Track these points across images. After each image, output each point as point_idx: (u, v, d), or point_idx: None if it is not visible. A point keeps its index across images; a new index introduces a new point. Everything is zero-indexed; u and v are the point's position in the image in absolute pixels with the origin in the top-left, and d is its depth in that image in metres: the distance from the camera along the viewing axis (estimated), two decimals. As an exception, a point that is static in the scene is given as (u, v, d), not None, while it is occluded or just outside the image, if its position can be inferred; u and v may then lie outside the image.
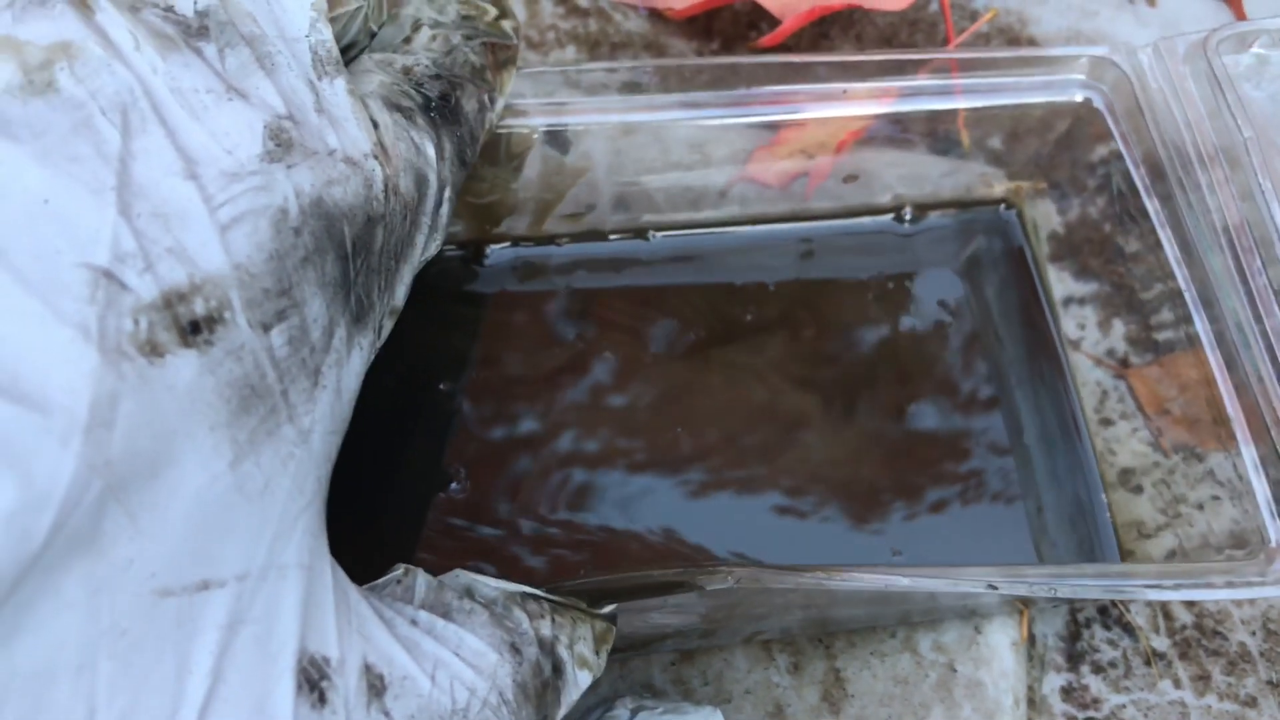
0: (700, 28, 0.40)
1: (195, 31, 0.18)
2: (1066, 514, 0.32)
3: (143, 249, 0.16)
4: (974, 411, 0.33)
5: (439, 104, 0.23)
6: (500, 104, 0.26)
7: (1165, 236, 0.30)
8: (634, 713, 0.27)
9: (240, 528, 0.17)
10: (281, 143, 0.18)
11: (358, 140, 0.20)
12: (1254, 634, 0.32)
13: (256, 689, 0.17)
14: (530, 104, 0.29)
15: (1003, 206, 0.36)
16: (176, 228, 0.16)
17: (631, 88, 0.30)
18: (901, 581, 0.23)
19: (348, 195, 0.19)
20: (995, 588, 0.24)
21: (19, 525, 0.14)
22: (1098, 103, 0.32)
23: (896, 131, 0.33)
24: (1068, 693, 0.31)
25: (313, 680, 0.17)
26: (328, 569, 0.19)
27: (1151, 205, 0.30)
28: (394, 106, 0.22)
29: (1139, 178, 0.31)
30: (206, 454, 0.16)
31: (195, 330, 0.16)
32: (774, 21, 0.38)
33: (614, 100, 0.30)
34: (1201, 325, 0.29)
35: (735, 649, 0.30)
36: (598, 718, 0.27)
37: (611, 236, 0.34)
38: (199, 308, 0.16)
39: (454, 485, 0.29)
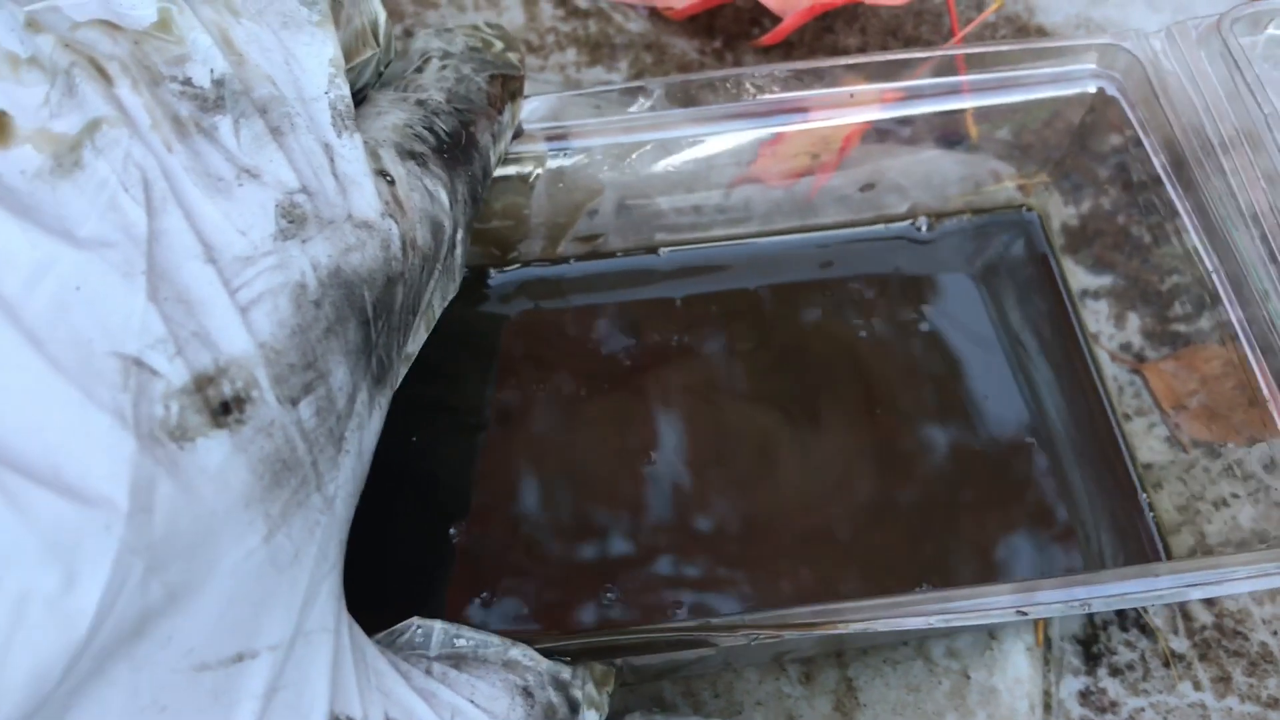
0: (702, 26, 0.39)
1: (212, 104, 0.19)
2: (1105, 519, 0.31)
3: (172, 333, 0.16)
4: (1002, 421, 0.32)
5: (451, 144, 0.23)
6: (509, 136, 0.27)
7: (1190, 224, 0.29)
8: (642, 728, 0.27)
9: (272, 598, 0.17)
10: (295, 219, 0.18)
11: (372, 200, 0.20)
12: (1275, 633, 0.31)
13: None
14: (537, 128, 0.29)
15: (1024, 209, 0.35)
16: (199, 312, 0.17)
17: (636, 104, 0.29)
18: (929, 622, 0.23)
19: (366, 260, 0.19)
20: (1025, 614, 0.23)
21: (64, 613, 0.14)
22: (1111, 91, 0.31)
23: (903, 129, 0.33)
24: (1085, 696, 0.30)
25: None
26: (346, 629, 0.19)
27: (1174, 193, 0.30)
28: (407, 154, 0.22)
29: (1159, 165, 0.30)
30: (241, 530, 0.16)
31: (225, 411, 0.16)
32: (776, 18, 0.38)
33: (620, 120, 0.29)
34: (1233, 312, 0.29)
35: (746, 659, 0.30)
36: (606, 734, 0.27)
37: (620, 254, 0.34)
38: (226, 389, 0.16)
39: (452, 530, 0.29)
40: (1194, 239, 0.29)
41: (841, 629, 0.22)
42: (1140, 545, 0.30)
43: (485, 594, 0.28)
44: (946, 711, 0.29)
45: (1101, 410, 0.32)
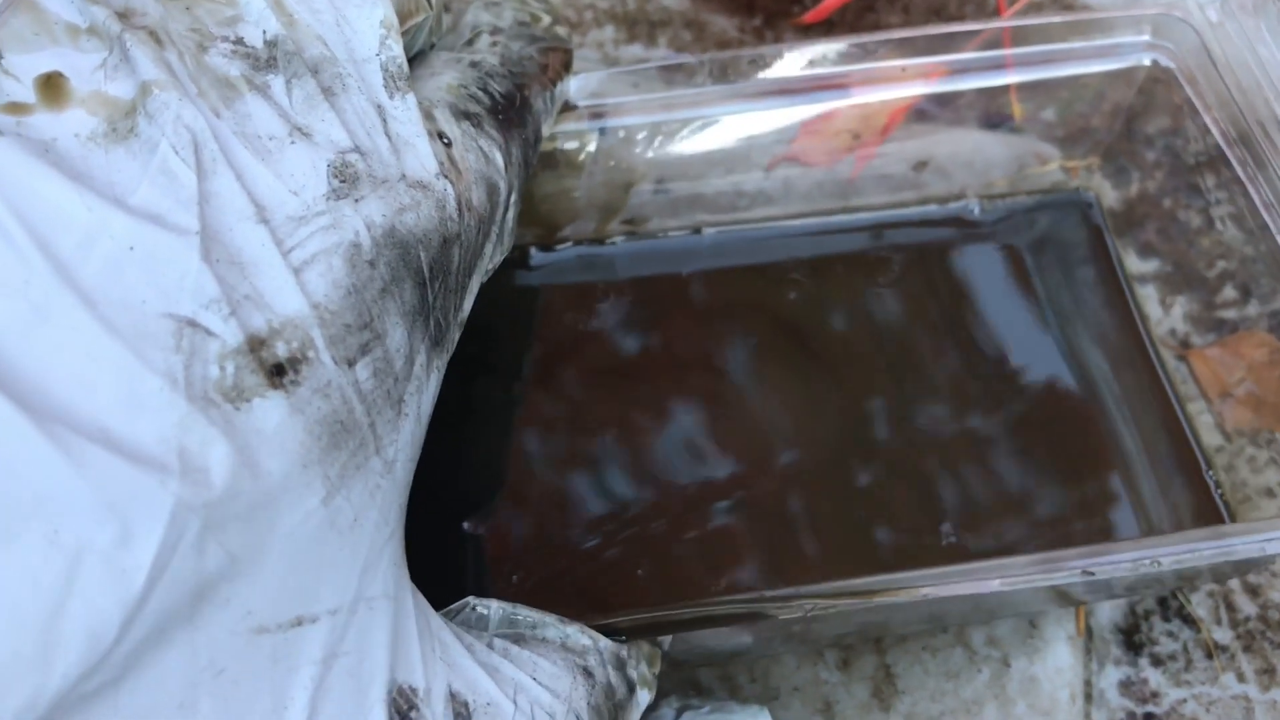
0: (742, 3, 0.39)
1: (264, 63, 0.19)
2: (1166, 502, 0.30)
3: (225, 295, 0.16)
4: (1056, 412, 0.31)
5: (505, 104, 0.23)
6: (559, 105, 0.27)
7: (1254, 201, 0.28)
8: (679, 712, 0.27)
9: (332, 562, 0.17)
10: (347, 178, 0.18)
11: (427, 161, 0.20)
12: (1322, 626, 0.31)
13: None
14: (580, 106, 0.28)
15: (1080, 190, 0.35)
16: (251, 273, 0.17)
17: (681, 81, 0.29)
18: (990, 585, 0.22)
19: (421, 220, 0.19)
20: (1092, 574, 0.22)
21: (119, 567, 0.14)
22: (1166, 63, 0.30)
23: (947, 109, 0.32)
24: (1126, 687, 0.30)
25: (403, 711, 0.18)
26: (409, 597, 0.19)
27: (1237, 168, 0.29)
28: (463, 114, 0.22)
29: (1218, 138, 0.29)
30: (299, 492, 0.16)
31: (280, 372, 0.16)
32: (817, -5, 0.37)
33: (660, 97, 0.29)
34: None
35: (783, 644, 0.30)
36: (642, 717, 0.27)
37: (665, 235, 0.33)
38: (281, 350, 0.16)
39: (466, 525, 0.29)
40: (1261, 216, 0.28)
41: (904, 596, 0.21)
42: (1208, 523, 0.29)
43: (517, 576, 0.28)
44: (986, 699, 0.29)
45: (1162, 393, 0.31)
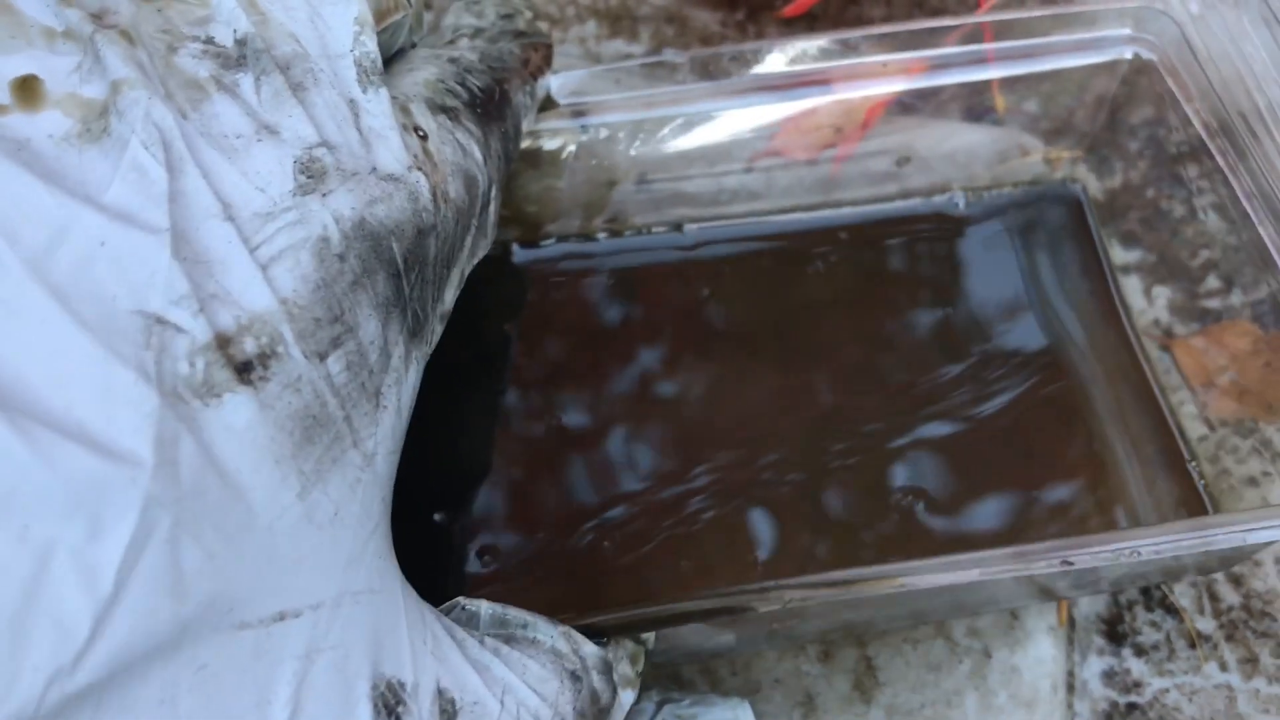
0: (724, -3, 0.39)
1: (234, 62, 0.19)
2: (1150, 490, 0.30)
3: (194, 291, 0.16)
4: (1039, 399, 0.31)
5: (484, 99, 0.23)
6: (539, 100, 0.27)
7: (1237, 191, 0.28)
8: (660, 705, 0.27)
9: (313, 557, 0.17)
10: (314, 173, 0.18)
11: (399, 153, 0.20)
12: (1304, 615, 0.31)
13: (335, 717, 0.17)
14: (563, 104, 0.29)
15: (1068, 181, 0.35)
16: (218, 271, 0.17)
17: (662, 78, 0.29)
18: (969, 575, 0.22)
19: (392, 212, 0.19)
20: (1070, 564, 0.22)
21: (88, 563, 0.14)
22: (1148, 56, 0.30)
23: (928, 101, 0.32)
24: (1109, 677, 0.30)
25: (389, 705, 0.18)
26: (398, 590, 0.19)
27: (1220, 160, 0.29)
28: (439, 108, 0.22)
29: (1200, 131, 0.29)
30: (274, 487, 0.16)
31: (248, 369, 0.16)
32: (799, -11, 0.37)
33: (642, 94, 0.29)
34: None
35: (765, 637, 0.30)
36: (624, 711, 0.27)
37: (648, 231, 0.33)
38: (250, 347, 0.16)
39: (438, 517, 0.29)
40: (1243, 206, 0.28)
41: (882, 588, 0.21)
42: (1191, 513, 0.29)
43: (490, 564, 0.28)
44: (967, 691, 0.29)
45: (1145, 384, 0.31)
